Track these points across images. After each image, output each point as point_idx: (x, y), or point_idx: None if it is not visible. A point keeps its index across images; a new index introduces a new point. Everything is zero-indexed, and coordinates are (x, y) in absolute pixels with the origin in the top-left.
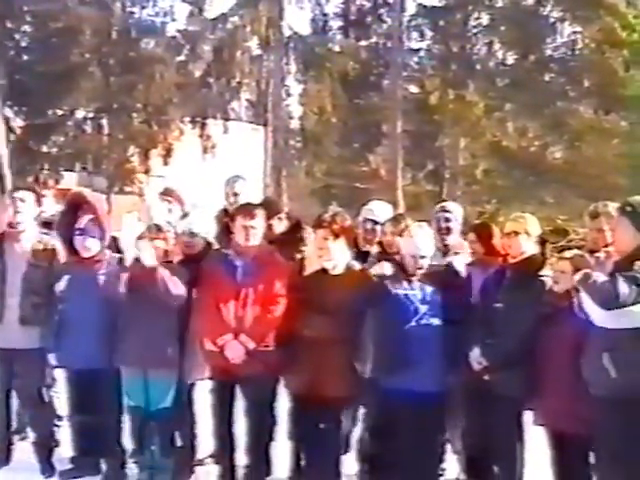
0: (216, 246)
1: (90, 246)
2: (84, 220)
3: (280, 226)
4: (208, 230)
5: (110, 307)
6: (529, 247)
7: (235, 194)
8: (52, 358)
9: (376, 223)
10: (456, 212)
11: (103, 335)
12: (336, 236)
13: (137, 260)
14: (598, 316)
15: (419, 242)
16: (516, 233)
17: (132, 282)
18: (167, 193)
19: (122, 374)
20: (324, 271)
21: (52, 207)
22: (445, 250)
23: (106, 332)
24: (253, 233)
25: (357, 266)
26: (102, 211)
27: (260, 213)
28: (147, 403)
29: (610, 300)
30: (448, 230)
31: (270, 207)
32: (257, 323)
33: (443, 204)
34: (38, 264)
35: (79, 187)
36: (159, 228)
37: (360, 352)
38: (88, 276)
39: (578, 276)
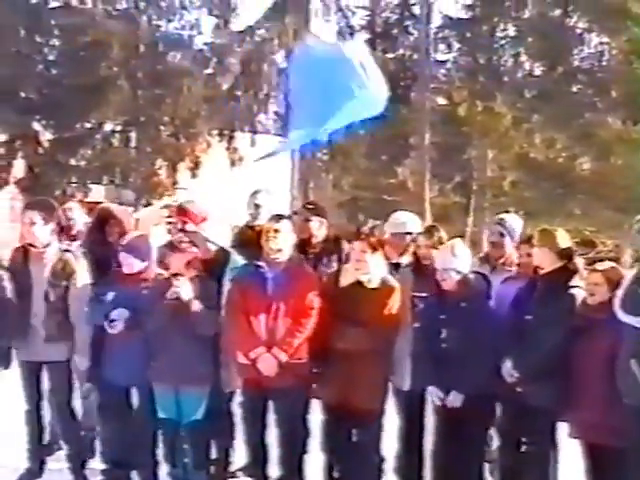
0: (234, 255)
1: (133, 262)
2: (128, 236)
3: (320, 230)
4: (223, 239)
5: (149, 324)
6: (551, 260)
7: (257, 206)
8: (86, 371)
9: (407, 234)
10: (512, 227)
11: (140, 351)
12: (374, 249)
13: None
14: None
15: (449, 255)
16: (539, 245)
17: (166, 309)
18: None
19: (154, 387)
20: (359, 284)
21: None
22: (494, 264)
23: (143, 348)
24: (277, 236)
25: (392, 279)
26: (129, 226)
27: (287, 221)
28: (179, 416)
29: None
30: (496, 244)
31: (316, 207)
32: (289, 335)
33: (502, 216)
34: (57, 283)
35: (107, 200)
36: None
37: (394, 365)
38: (131, 292)
39: None
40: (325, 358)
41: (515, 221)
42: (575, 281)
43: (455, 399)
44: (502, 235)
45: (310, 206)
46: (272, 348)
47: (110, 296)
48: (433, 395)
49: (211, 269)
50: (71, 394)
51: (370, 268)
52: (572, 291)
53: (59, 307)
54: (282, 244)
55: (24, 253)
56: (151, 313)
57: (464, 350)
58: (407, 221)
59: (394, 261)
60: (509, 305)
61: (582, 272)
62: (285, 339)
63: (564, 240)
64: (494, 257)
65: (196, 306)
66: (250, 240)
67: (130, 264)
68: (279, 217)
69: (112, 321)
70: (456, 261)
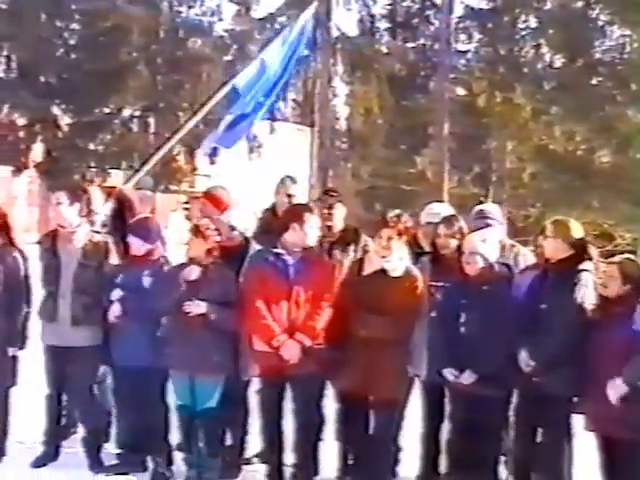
0: (254, 244)
1: (137, 244)
2: (133, 218)
3: (339, 212)
4: (246, 227)
5: (159, 306)
6: (563, 251)
7: (289, 195)
8: (102, 354)
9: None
10: (492, 215)
11: (152, 333)
12: (400, 236)
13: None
14: None
15: (479, 240)
16: (552, 236)
17: (181, 294)
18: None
19: (169, 373)
20: (383, 272)
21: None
22: None
23: (149, 330)
24: (314, 232)
25: (414, 269)
26: (141, 208)
27: (315, 216)
28: (193, 402)
29: None
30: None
31: (334, 193)
32: (310, 321)
33: (479, 207)
34: (88, 264)
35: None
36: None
37: (412, 354)
38: (138, 274)
39: None
40: (346, 346)
41: (493, 208)
42: (584, 265)
43: (469, 377)
44: (488, 225)
45: (334, 193)
46: (294, 334)
47: (119, 279)
48: (447, 374)
49: (231, 257)
50: (94, 380)
51: (395, 255)
52: (581, 275)
53: (86, 288)
54: (311, 238)
55: (53, 235)
56: (159, 296)
57: (482, 333)
58: (442, 212)
59: (427, 250)
60: (524, 294)
61: (598, 263)
62: (306, 323)
63: (577, 231)
64: None
65: (212, 316)
66: (273, 228)
67: (135, 245)
68: (309, 210)
69: (111, 302)
70: (485, 247)
